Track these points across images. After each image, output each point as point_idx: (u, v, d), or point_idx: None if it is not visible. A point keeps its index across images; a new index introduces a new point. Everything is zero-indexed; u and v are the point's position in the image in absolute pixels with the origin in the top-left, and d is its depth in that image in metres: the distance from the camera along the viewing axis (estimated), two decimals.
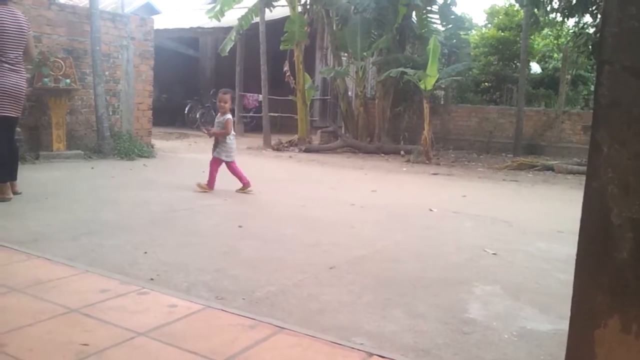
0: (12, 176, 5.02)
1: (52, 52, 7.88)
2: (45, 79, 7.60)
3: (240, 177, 6.01)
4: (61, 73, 7.76)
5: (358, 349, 2.10)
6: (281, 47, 12.41)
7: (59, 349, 1.97)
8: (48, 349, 1.97)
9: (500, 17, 17.70)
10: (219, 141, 5.95)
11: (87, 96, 8.53)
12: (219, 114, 6.08)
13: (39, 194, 5.25)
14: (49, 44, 7.99)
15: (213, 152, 6.01)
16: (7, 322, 2.16)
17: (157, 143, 10.52)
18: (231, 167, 6.03)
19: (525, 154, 11.96)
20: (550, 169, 9.67)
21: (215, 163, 5.95)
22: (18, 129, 5.61)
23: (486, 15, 19.51)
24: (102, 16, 8.65)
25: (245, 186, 5.98)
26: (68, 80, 7.80)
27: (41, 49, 7.70)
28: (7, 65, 4.76)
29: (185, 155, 10.03)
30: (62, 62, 7.82)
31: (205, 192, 5.82)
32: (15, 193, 5.02)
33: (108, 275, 2.81)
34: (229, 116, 5.98)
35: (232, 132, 6.00)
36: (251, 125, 16.61)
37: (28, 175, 5.97)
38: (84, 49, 8.45)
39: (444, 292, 2.99)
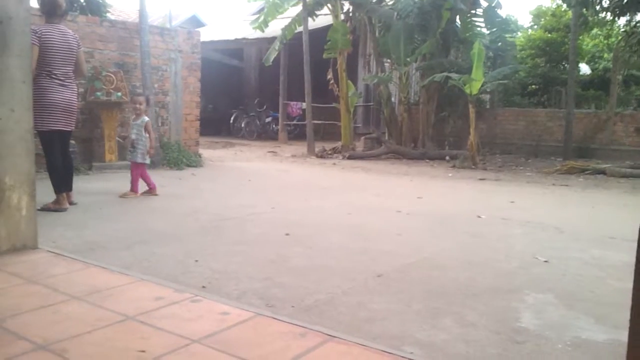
0: (67, 187, 5.23)
1: (104, 67, 8.16)
2: (98, 93, 7.88)
3: (135, 183, 5.98)
4: (113, 86, 8.03)
5: (409, 358, 2.09)
6: (324, 56, 12.51)
7: (118, 355, 2.03)
8: (107, 355, 2.03)
9: (547, 18, 17.34)
10: (137, 144, 5.95)
11: None
12: (134, 116, 6.09)
13: (93, 204, 5.44)
14: (100, 58, 8.28)
15: (135, 158, 5.98)
16: (68, 329, 2.24)
17: (205, 152, 10.73)
18: (142, 170, 6.04)
19: (575, 157, 11.64)
20: (602, 172, 9.38)
21: (142, 167, 6.03)
22: (72, 142, 5.84)
23: (532, 16, 19.13)
24: (151, 31, 8.91)
25: (132, 193, 5.96)
26: (119, 94, 8.06)
27: (94, 64, 8.00)
28: (57, 81, 4.97)
29: (231, 164, 10.20)
30: (113, 76, 8.09)
31: (156, 195, 5.94)
32: (71, 203, 5.22)
33: (162, 283, 2.88)
34: (147, 118, 6.07)
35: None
36: (295, 133, 16.77)
37: (82, 186, 6.19)
38: (134, 62, 8.73)
39: (494, 300, 2.94)
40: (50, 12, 5.02)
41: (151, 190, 6.07)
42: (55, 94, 4.94)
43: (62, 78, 5.00)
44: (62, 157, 5.15)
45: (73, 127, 5.31)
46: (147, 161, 6.09)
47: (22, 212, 3.38)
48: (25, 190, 3.39)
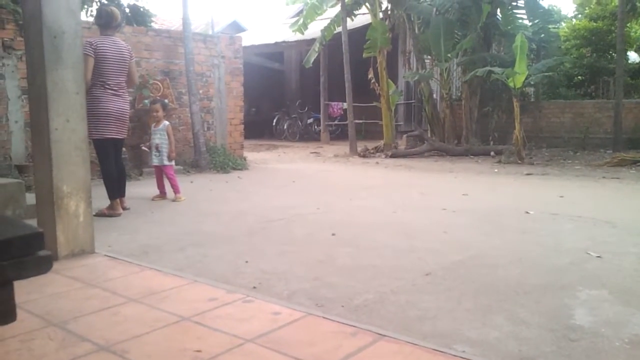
0: (121, 193, 5.41)
1: (150, 75, 8.39)
2: (146, 101, 8.10)
3: (175, 184, 6.16)
4: (159, 94, 8.25)
5: (461, 357, 2.09)
6: (364, 55, 12.49)
7: (175, 355, 2.09)
8: (165, 355, 2.10)
9: (592, 6, 16.84)
10: (162, 148, 6.11)
11: (184, 114, 9.00)
12: (154, 124, 6.25)
13: (146, 209, 5.61)
14: (147, 67, 8.51)
15: (162, 161, 6.14)
16: (128, 330, 2.32)
17: (249, 155, 10.88)
18: (168, 172, 6.19)
19: (626, 149, 11.26)
20: None
21: (171, 169, 6.19)
22: (123, 149, 6.04)
23: (576, 5, 18.59)
24: (194, 38, 9.10)
25: (179, 195, 6.12)
26: (166, 101, 8.24)
27: (141, 73, 8.21)
28: (110, 91, 5.14)
29: (275, 165, 10.31)
30: (160, 84, 8.31)
31: (182, 200, 6.07)
32: (124, 209, 5.40)
33: (214, 285, 2.95)
34: (167, 122, 6.22)
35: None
36: (337, 133, 16.80)
37: (134, 191, 6.37)
38: (179, 70, 8.93)
39: (546, 297, 2.90)
40: (106, 24, 5.19)
41: (161, 195, 6.24)
42: (109, 104, 5.11)
43: (115, 88, 5.17)
44: (115, 165, 5.33)
45: (125, 135, 5.48)
46: (173, 164, 6.28)
47: (80, 218, 3.52)
48: (82, 197, 3.52)
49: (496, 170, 9.22)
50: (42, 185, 3.49)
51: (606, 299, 2.87)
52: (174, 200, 6.06)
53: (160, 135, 6.16)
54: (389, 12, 13.16)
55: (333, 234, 4.40)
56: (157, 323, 2.40)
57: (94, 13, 5.69)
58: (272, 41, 16.98)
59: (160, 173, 6.26)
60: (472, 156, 11.29)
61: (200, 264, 3.57)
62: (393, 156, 11.54)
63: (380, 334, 2.28)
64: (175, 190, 6.15)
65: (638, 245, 4.01)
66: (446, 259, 3.67)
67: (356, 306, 2.79)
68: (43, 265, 1.55)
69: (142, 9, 10.62)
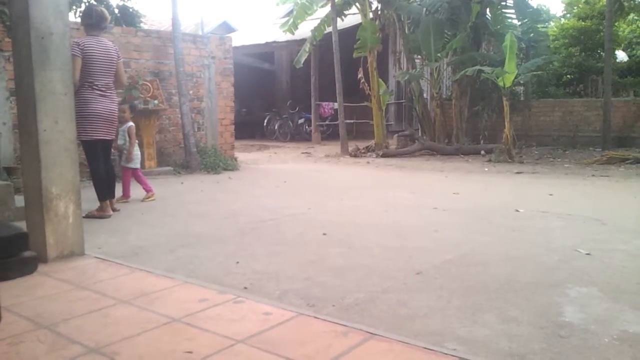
0: (110, 194, 5.38)
1: (140, 76, 8.36)
2: (135, 101, 8.05)
3: (144, 184, 6.21)
4: (149, 95, 8.21)
5: (451, 355, 2.09)
6: (354, 55, 12.51)
7: (166, 356, 2.09)
8: (156, 356, 2.09)
9: (580, 6, 16.96)
10: (124, 149, 6.11)
11: (174, 115, 8.97)
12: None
13: (135, 210, 5.59)
14: (137, 68, 8.48)
15: (122, 162, 6.19)
16: (118, 332, 2.31)
17: (240, 156, 10.86)
18: (136, 174, 6.24)
19: (615, 147, 11.36)
20: None
21: (128, 172, 6.18)
22: (113, 150, 6.01)
23: (564, 5, 18.71)
24: (184, 38, 9.08)
25: (124, 198, 6.11)
26: (156, 101, 8.23)
27: (130, 74, 8.19)
28: (98, 92, 5.11)
29: (266, 166, 10.30)
30: (149, 85, 8.27)
31: (126, 202, 6.04)
32: (114, 210, 5.37)
33: (205, 286, 2.94)
34: (131, 123, 6.17)
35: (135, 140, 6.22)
36: (328, 133, 16.81)
37: None
38: (169, 70, 8.91)
39: (536, 295, 2.92)
40: (96, 24, 5.15)
41: (149, 195, 6.23)
42: (97, 105, 5.09)
43: (103, 89, 5.14)
44: (104, 165, 5.30)
45: (114, 136, 5.46)
46: (135, 165, 6.22)
47: (69, 220, 3.49)
48: (71, 198, 3.50)
49: (486, 169, 9.27)
50: (30, 187, 3.46)
51: (595, 296, 2.89)
52: (117, 200, 5.98)
53: (123, 136, 6.13)
54: (379, 12, 13.19)
55: (324, 234, 4.40)
56: (147, 324, 2.39)
57: None
58: (263, 41, 16.97)
59: (136, 174, 6.25)
60: (462, 155, 11.33)
61: (191, 265, 3.56)
62: (384, 156, 11.56)
63: (371, 333, 2.28)
64: (124, 192, 6.13)
65: (627, 242, 4.04)
66: (437, 257, 3.68)
67: (347, 305, 2.79)
68: (28, 266, 1.54)
69: (131, 10, 10.59)
